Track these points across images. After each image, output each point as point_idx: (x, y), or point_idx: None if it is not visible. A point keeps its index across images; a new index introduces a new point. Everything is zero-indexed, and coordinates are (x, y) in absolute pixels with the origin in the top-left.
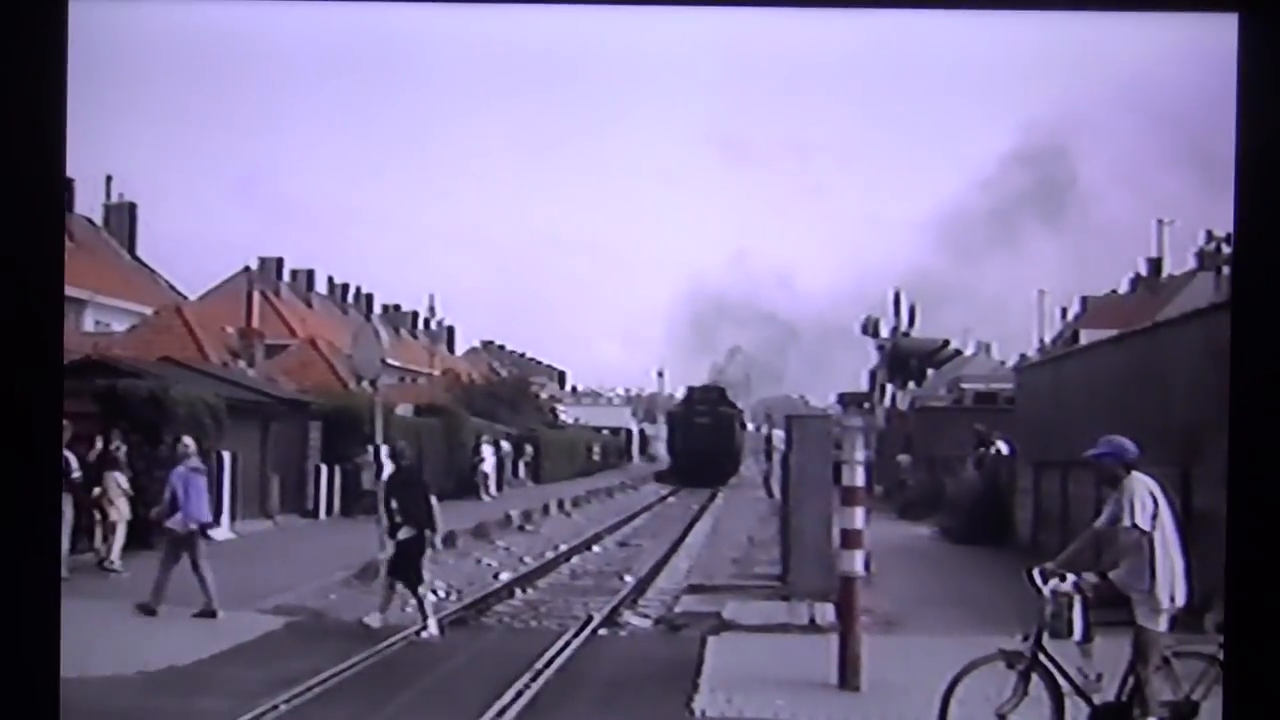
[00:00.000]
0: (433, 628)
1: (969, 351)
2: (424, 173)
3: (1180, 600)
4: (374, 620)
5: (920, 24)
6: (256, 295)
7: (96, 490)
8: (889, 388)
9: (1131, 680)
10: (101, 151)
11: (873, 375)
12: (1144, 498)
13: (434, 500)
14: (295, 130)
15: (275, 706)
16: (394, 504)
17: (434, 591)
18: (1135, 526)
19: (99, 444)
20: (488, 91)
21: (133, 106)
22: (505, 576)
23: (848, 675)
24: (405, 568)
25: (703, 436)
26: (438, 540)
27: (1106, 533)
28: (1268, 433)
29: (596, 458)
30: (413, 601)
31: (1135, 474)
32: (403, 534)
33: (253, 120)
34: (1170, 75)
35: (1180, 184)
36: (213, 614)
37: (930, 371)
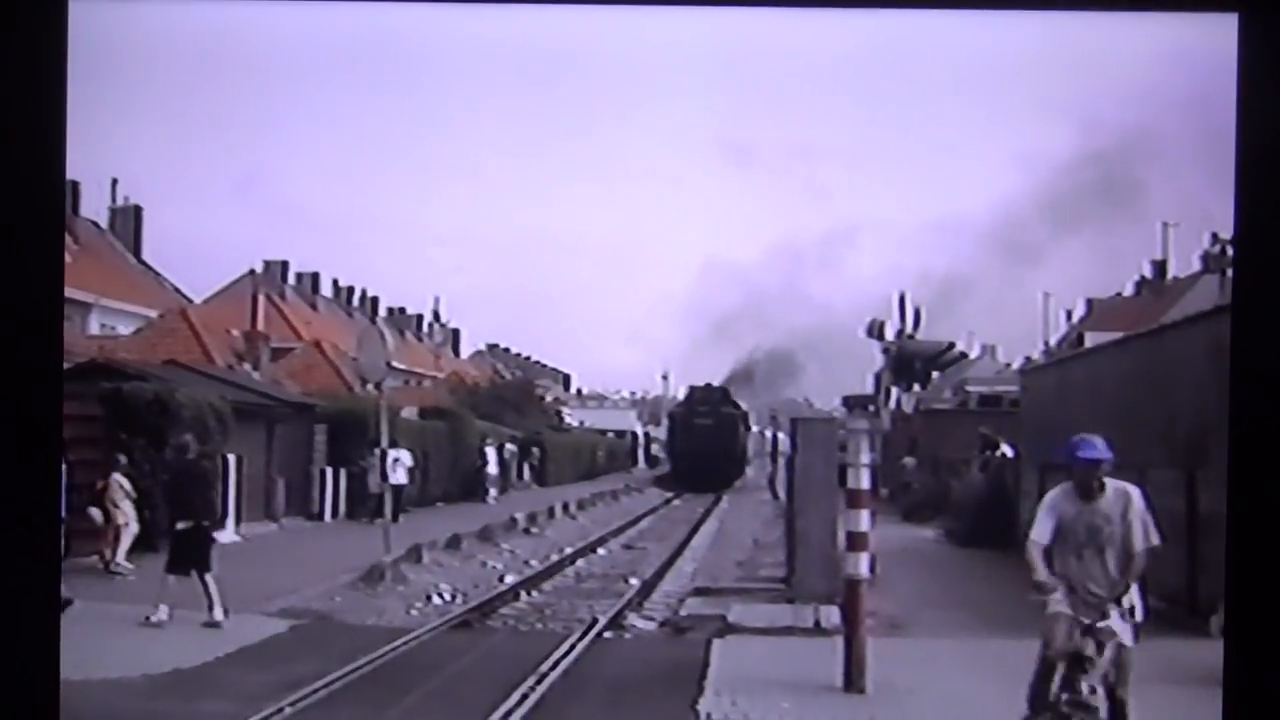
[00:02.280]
0: (218, 614)
1: (974, 354)
2: (429, 176)
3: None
4: (162, 614)
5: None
6: (262, 298)
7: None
8: (894, 390)
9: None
10: (106, 154)
11: (878, 378)
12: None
13: (215, 492)
14: (299, 132)
15: (280, 710)
16: (173, 496)
17: (439, 595)
18: (1153, 545)
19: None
20: (494, 94)
21: (135, 109)
22: (510, 579)
23: (853, 678)
24: (187, 559)
25: (704, 438)
26: (215, 532)
27: (1116, 553)
28: (1268, 434)
29: (601, 460)
30: (418, 604)
31: (1123, 485)
32: (181, 525)
33: (256, 122)
34: (1170, 76)
35: (1184, 186)
36: (69, 601)
37: (935, 374)
